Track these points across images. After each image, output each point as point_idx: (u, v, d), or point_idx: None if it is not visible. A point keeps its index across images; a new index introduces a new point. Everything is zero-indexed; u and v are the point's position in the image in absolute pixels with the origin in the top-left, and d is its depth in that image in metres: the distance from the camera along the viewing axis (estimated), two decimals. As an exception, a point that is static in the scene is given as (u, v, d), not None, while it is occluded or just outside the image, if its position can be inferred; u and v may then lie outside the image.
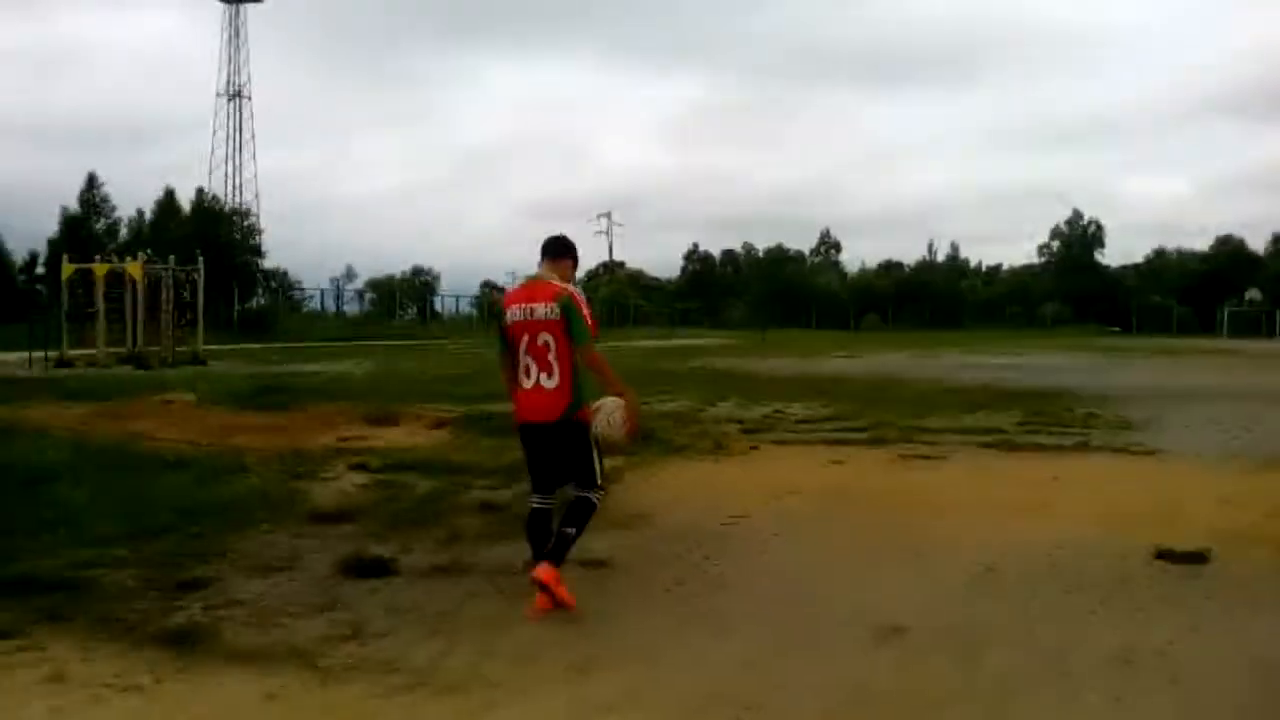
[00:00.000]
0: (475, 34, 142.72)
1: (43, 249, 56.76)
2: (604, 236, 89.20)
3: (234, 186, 73.01)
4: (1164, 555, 6.28)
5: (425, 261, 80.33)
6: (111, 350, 26.67)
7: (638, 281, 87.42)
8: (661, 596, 5.68)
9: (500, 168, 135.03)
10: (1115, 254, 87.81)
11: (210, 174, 73.26)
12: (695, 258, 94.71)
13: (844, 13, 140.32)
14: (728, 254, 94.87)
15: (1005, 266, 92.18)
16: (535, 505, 5.59)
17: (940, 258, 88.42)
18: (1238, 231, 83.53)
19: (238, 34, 74.64)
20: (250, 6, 74.88)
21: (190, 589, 5.63)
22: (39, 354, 25.36)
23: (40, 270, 56.58)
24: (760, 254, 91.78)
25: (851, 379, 21.35)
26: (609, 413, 5.47)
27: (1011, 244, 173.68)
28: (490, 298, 63.96)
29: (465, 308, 74.52)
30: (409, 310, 73.13)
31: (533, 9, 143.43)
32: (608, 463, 5.86)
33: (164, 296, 28.13)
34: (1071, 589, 5.74)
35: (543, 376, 5.42)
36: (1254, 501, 8.11)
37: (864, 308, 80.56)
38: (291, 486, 8.60)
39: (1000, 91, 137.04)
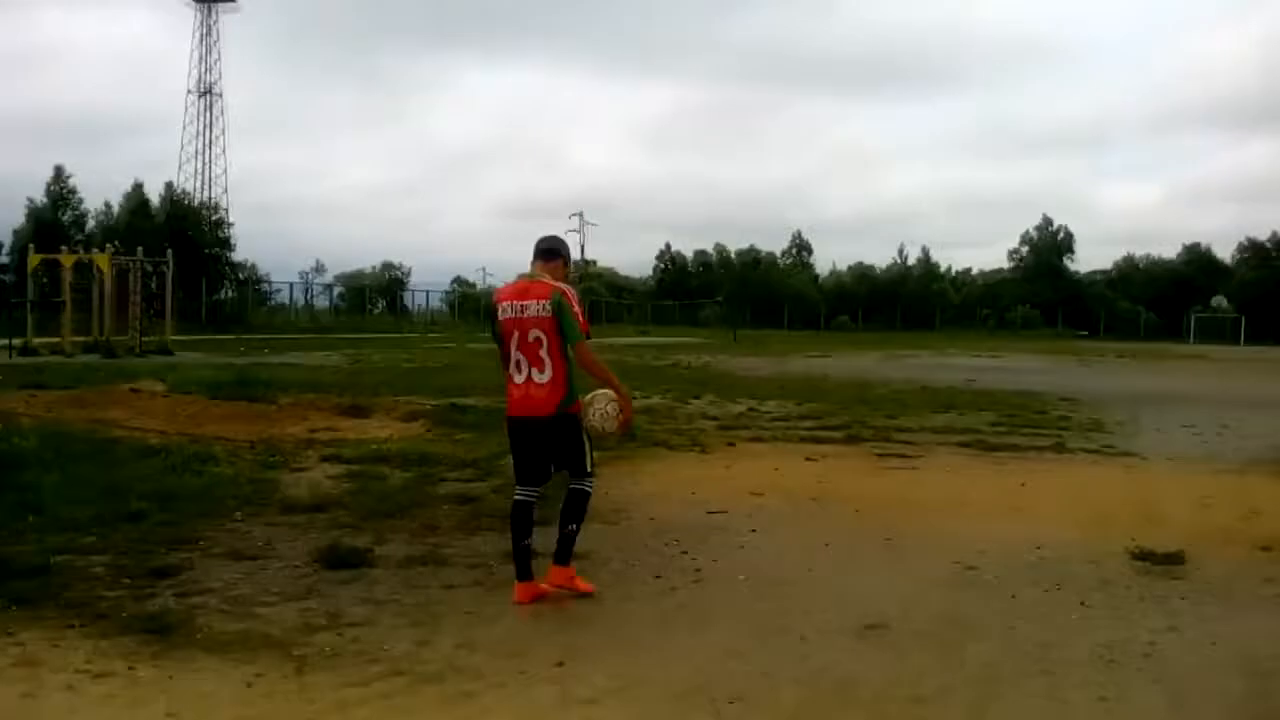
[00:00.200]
0: (449, 36, 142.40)
1: (7, 239, 56.09)
2: (576, 235, 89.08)
3: (204, 182, 72.64)
4: (1143, 556, 6.29)
5: (396, 258, 79.61)
6: (77, 339, 26.35)
7: (610, 280, 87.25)
8: (642, 590, 5.64)
9: (473, 168, 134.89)
10: (1086, 260, 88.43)
11: (180, 169, 72.96)
12: (667, 258, 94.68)
13: (818, 19, 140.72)
14: (700, 254, 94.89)
15: (975, 271, 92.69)
16: (520, 497, 5.55)
17: (912, 262, 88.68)
18: (1206, 240, 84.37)
19: (209, 33, 74.45)
20: (222, 6, 74.68)
21: (162, 576, 5.54)
22: (2, 342, 25.00)
23: (4, 260, 55.81)
24: (732, 255, 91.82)
25: (825, 378, 21.36)
26: (602, 406, 5.50)
27: (982, 249, 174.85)
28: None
29: (436, 303, 74.27)
30: (378, 305, 72.71)
31: (507, 12, 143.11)
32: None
33: (132, 287, 27.83)
34: (1052, 589, 5.74)
35: (534, 372, 5.43)
36: (1228, 503, 8.17)
37: (835, 309, 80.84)
38: (263, 476, 8.50)
39: (972, 99, 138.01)
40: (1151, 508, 7.92)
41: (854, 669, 4.46)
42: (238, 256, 59.57)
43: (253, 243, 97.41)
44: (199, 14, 74.69)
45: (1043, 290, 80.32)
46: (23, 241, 45.01)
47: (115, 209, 57.66)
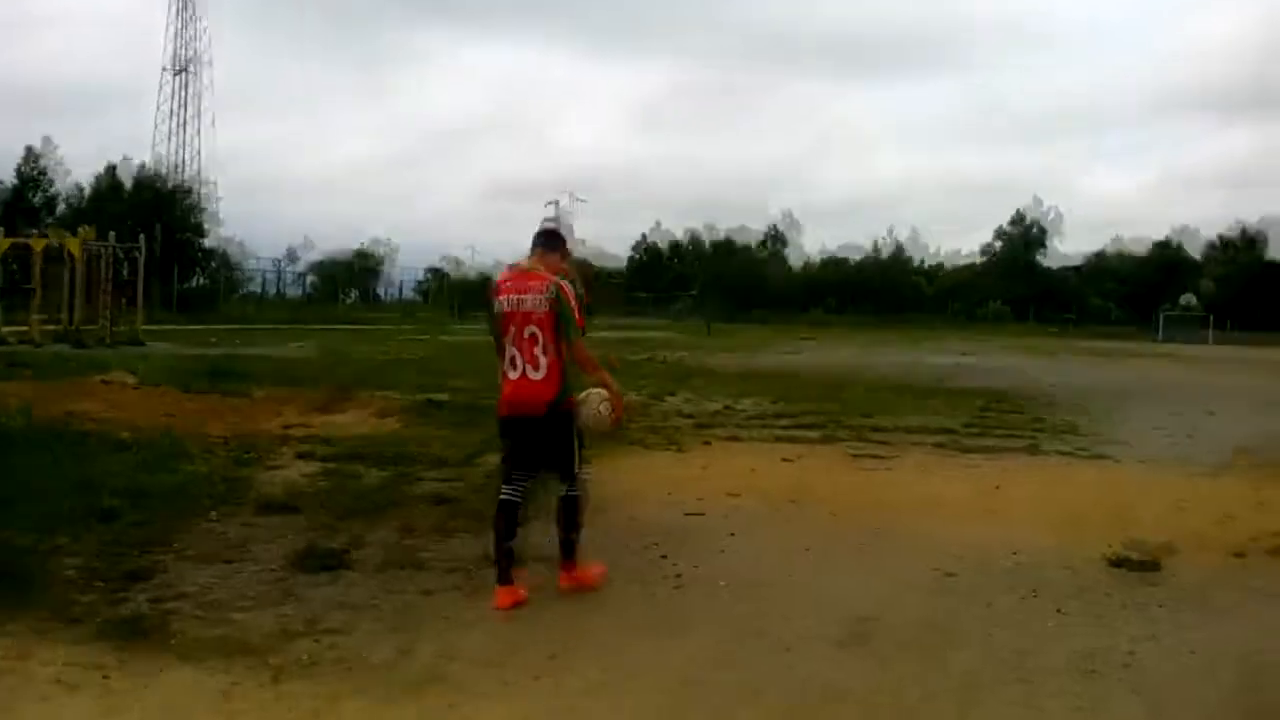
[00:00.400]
0: (438, 11, 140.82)
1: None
2: (563, 215, 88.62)
3: (181, 161, 71.48)
4: (1119, 563, 6.33)
5: (382, 235, 78.72)
6: (47, 328, 26.01)
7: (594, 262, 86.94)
8: (622, 594, 5.63)
9: (461, 146, 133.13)
10: (1068, 247, 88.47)
11: (153, 149, 71.79)
12: (643, 248, 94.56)
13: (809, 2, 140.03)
14: (675, 246, 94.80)
15: (949, 266, 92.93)
16: (505, 496, 5.52)
17: (899, 243, 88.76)
18: (1190, 226, 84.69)
19: (186, 7, 73.05)
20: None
21: (136, 579, 5.47)
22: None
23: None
24: (707, 245, 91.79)
25: (799, 375, 21.37)
26: (596, 404, 5.54)
27: (970, 233, 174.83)
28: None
29: (409, 293, 73.90)
30: (351, 295, 72.31)
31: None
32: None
33: (103, 274, 27.47)
34: (1029, 595, 5.76)
35: (529, 368, 5.42)
36: (1202, 507, 8.22)
37: (810, 300, 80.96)
38: (238, 474, 8.43)
39: (964, 83, 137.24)
40: (1125, 512, 7.95)
41: (837, 677, 4.47)
42: (221, 234, 59.18)
43: (237, 220, 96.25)
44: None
45: (1015, 284, 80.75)
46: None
47: (87, 190, 57.06)
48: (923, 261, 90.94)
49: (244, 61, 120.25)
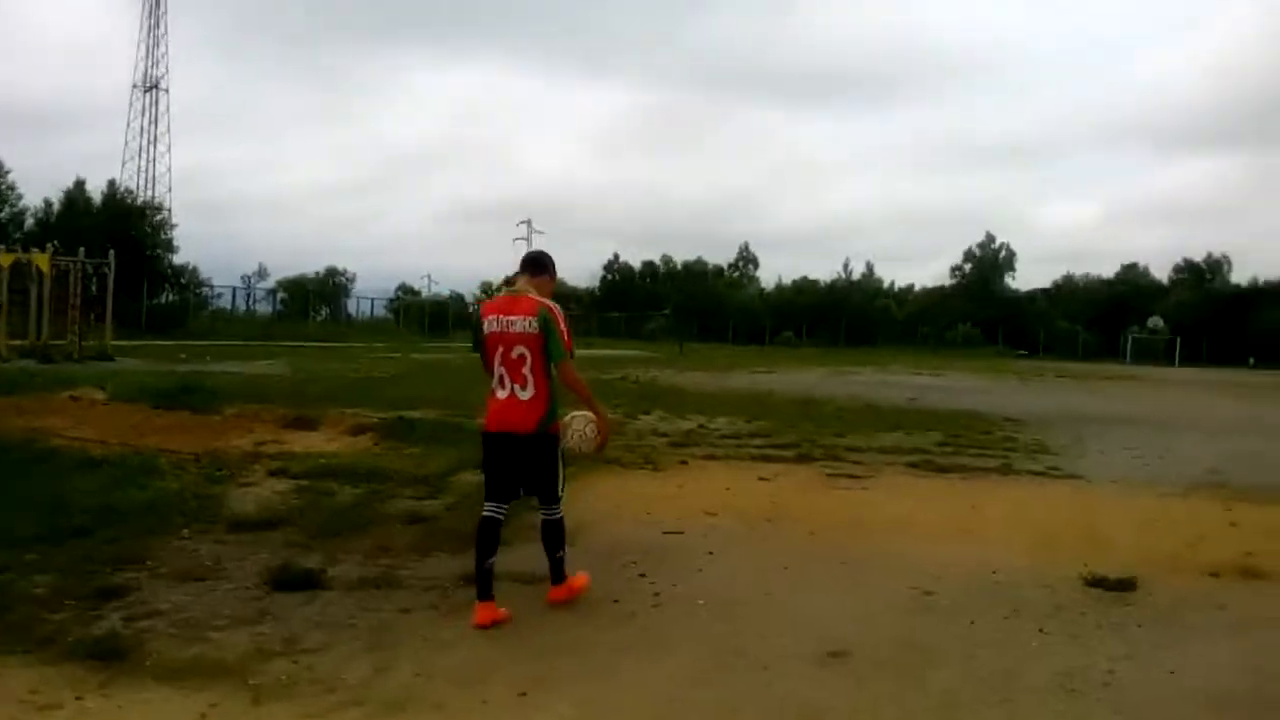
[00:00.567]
0: (400, 35, 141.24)
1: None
2: (524, 243, 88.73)
3: (148, 180, 71.13)
4: (1095, 582, 6.34)
5: (341, 262, 78.90)
6: (14, 344, 25.72)
7: (558, 290, 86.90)
8: (600, 614, 5.59)
9: (421, 171, 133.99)
10: (1026, 276, 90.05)
11: (123, 166, 71.43)
12: (615, 268, 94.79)
13: (769, 31, 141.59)
14: (648, 265, 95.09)
15: (918, 287, 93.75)
16: (487, 514, 5.50)
17: (856, 276, 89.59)
18: (1144, 259, 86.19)
19: (157, 25, 72.80)
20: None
21: (109, 598, 5.40)
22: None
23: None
24: (679, 266, 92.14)
25: (772, 395, 21.41)
26: (580, 428, 5.56)
27: (925, 264, 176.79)
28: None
29: (380, 310, 73.56)
30: (321, 312, 71.91)
31: (459, 12, 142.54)
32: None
33: (72, 290, 27.23)
34: (1010, 614, 5.77)
35: (517, 389, 5.42)
36: (1173, 528, 8.26)
37: (780, 324, 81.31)
38: (210, 491, 8.35)
39: (919, 114, 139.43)
40: (1099, 532, 7.99)
41: (816, 697, 4.45)
42: (180, 258, 58.66)
43: (193, 243, 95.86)
44: (146, 4, 72.59)
45: (983, 308, 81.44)
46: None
47: (56, 206, 56.45)
48: (893, 284, 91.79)
49: (199, 83, 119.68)
